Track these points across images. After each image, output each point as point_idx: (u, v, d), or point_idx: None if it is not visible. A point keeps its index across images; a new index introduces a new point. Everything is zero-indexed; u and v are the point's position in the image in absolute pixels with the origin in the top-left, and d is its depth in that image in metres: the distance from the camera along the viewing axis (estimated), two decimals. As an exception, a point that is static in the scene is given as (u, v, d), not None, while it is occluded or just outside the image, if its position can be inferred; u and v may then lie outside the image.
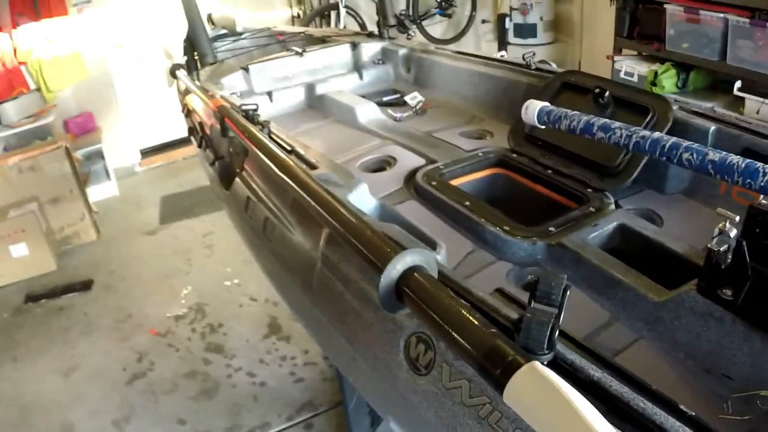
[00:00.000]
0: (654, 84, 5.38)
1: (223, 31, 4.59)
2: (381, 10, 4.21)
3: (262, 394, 3.75)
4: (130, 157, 7.38)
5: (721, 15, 4.70)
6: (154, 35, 6.86)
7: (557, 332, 1.09)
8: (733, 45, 4.70)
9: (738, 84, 4.79)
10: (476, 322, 1.11)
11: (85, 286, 5.19)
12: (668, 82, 5.32)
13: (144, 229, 6.04)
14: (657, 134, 1.79)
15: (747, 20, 4.53)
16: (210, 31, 4.49)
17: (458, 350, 1.11)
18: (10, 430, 3.79)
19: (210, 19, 4.74)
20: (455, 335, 1.12)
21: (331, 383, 3.65)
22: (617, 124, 1.89)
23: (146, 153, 7.57)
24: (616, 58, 5.93)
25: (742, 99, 4.78)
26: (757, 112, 4.63)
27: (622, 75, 5.74)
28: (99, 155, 6.80)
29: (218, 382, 3.90)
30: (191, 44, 3.66)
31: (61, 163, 5.71)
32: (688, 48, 5.12)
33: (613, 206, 2.22)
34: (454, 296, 1.22)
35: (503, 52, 3.64)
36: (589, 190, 2.32)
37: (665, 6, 5.21)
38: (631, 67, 5.68)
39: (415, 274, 1.28)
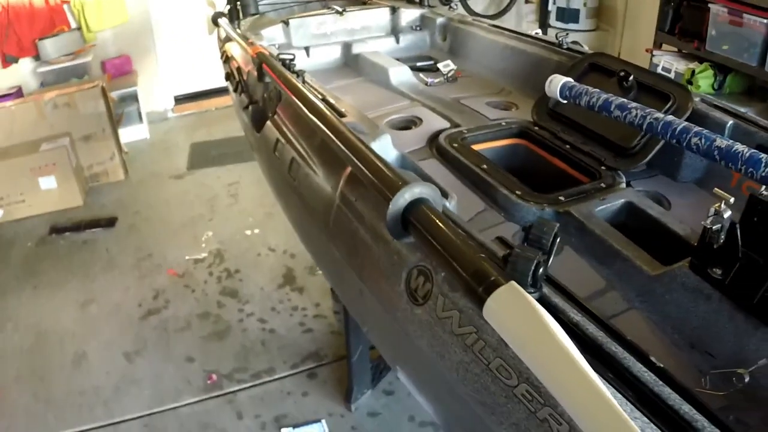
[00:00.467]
0: (690, 83, 5.33)
1: (267, -16, 4.67)
2: (423, -22, 4.27)
3: (271, 341, 3.84)
4: (163, 103, 7.46)
5: (765, 21, 4.66)
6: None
7: (543, 272, 1.17)
8: (774, 52, 4.66)
9: (774, 92, 4.75)
10: (467, 250, 1.20)
11: (109, 223, 5.30)
12: (704, 82, 5.29)
13: (171, 174, 6.15)
14: (670, 117, 1.86)
15: (791, 28, 4.49)
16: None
17: (450, 271, 1.21)
18: (24, 356, 3.91)
19: (255, -30, 4.83)
20: (449, 258, 1.22)
21: (338, 337, 3.72)
22: (633, 104, 1.96)
23: (180, 100, 7.63)
24: (655, 52, 5.90)
25: (777, 107, 4.73)
26: (792, 122, 4.62)
27: (659, 70, 5.70)
28: (133, 98, 6.86)
29: (229, 325, 4.00)
30: (234, -6, 3.74)
31: (96, 102, 5.80)
32: (728, 50, 5.08)
33: (624, 185, 2.28)
34: (454, 228, 1.32)
35: (538, 30, 3.68)
36: (604, 168, 2.38)
37: (709, 5, 5.16)
38: (669, 63, 5.66)
39: (421, 206, 1.39)
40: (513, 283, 1.08)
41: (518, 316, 1.03)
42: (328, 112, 2.02)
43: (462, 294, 1.23)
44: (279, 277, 4.41)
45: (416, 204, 1.40)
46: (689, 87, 5.16)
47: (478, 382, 1.30)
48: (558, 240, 1.20)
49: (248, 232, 4.99)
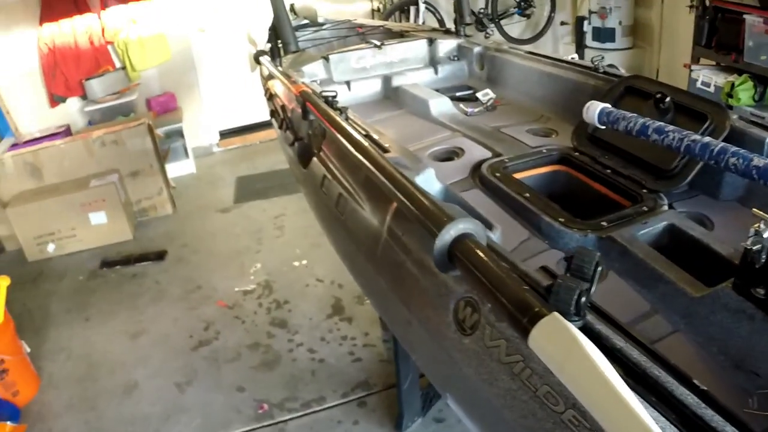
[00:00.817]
0: (730, 95, 5.30)
1: (305, 21, 4.77)
2: (458, 9, 4.31)
3: (320, 370, 3.89)
4: (208, 138, 7.65)
5: (802, 30, 4.64)
6: (236, 21, 7.11)
7: (586, 300, 1.21)
8: (813, 61, 4.64)
9: (816, 102, 4.71)
10: (511, 282, 1.26)
11: (159, 256, 5.44)
12: (744, 94, 5.25)
13: (218, 207, 6.28)
14: (707, 139, 1.88)
15: (828, 36, 4.47)
16: (293, 20, 4.69)
17: (495, 303, 1.27)
18: (76, 384, 4.02)
19: (292, 9, 4.94)
20: (494, 291, 1.28)
21: (387, 365, 3.75)
22: (671, 127, 2.00)
23: (224, 134, 7.82)
24: (693, 67, 5.88)
25: (819, 118, 4.70)
26: (835, 132, 4.56)
27: (698, 85, 5.70)
28: (179, 134, 7.06)
29: (279, 355, 4.06)
30: (275, 33, 3.82)
31: (143, 138, 5.98)
32: (767, 61, 5.05)
33: (666, 207, 2.30)
34: (497, 261, 1.38)
35: (574, 55, 3.71)
36: (645, 190, 2.40)
37: (744, 16, 5.15)
38: (708, 77, 5.62)
39: (466, 240, 1.45)
40: (555, 313, 1.13)
41: (561, 345, 1.07)
42: (371, 149, 2.08)
43: (507, 324, 1.29)
44: (327, 307, 4.48)
45: (461, 239, 1.46)
46: (729, 101, 5.20)
47: (526, 408, 1.34)
48: (600, 268, 1.24)
49: (296, 263, 5.06)
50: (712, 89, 5.57)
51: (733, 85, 5.30)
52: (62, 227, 5.61)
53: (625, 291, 1.97)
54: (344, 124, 2.37)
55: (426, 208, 1.59)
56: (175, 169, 6.97)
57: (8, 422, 3.53)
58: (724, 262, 1.92)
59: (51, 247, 5.62)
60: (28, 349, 4.04)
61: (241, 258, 5.27)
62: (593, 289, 1.24)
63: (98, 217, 5.66)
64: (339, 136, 2.29)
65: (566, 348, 1.06)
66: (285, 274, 4.96)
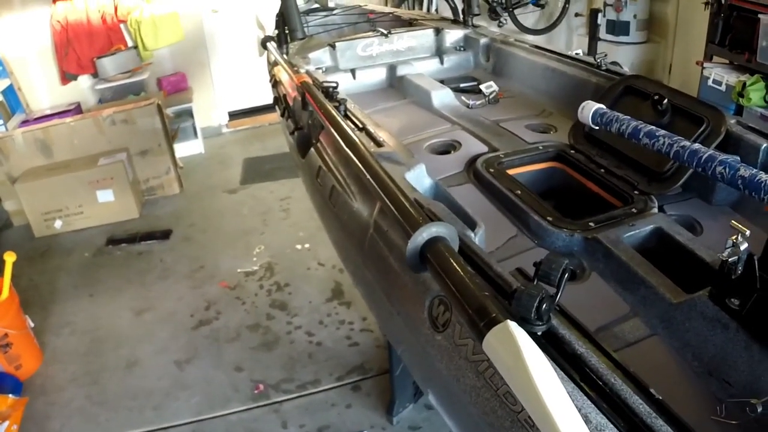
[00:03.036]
0: (741, 95, 5.29)
1: (316, 6, 4.78)
2: (466, -1, 4.34)
3: (317, 353, 3.94)
4: (218, 118, 7.70)
5: (817, 30, 4.61)
6: (248, 3, 7.12)
7: (548, 307, 1.24)
8: (827, 64, 4.61)
9: (826, 105, 4.68)
10: (474, 287, 1.30)
11: (165, 235, 5.50)
12: (756, 95, 5.22)
13: (225, 187, 6.34)
14: (696, 145, 1.90)
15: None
16: (304, 5, 4.71)
17: (458, 306, 1.31)
18: (80, 359, 4.10)
19: (304, -7, 4.96)
20: (457, 294, 1.32)
21: (383, 351, 3.78)
22: (662, 132, 2.01)
23: (234, 115, 7.87)
24: (705, 64, 5.85)
25: (830, 121, 4.65)
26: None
27: (710, 83, 5.67)
28: (188, 114, 7.11)
29: (278, 337, 4.12)
30: (283, 19, 3.84)
31: (153, 118, 6.02)
32: (781, 62, 5.02)
33: (656, 210, 2.32)
34: (464, 266, 1.41)
35: (579, 50, 3.71)
36: (636, 192, 2.42)
37: (759, 16, 5.11)
38: (720, 76, 5.60)
39: (437, 244, 1.49)
40: (509, 321, 1.16)
41: (510, 351, 1.11)
42: (362, 145, 2.11)
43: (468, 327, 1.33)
44: (327, 291, 4.52)
45: (433, 242, 1.49)
46: (740, 100, 5.17)
47: (488, 405, 1.38)
48: (566, 276, 1.27)
49: (299, 247, 5.11)
50: (723, 88, 5.54)
51: (744, 85, 5.27)
52: (70, 204, 5.67)
53: (607, 292, 2.00)
54: (339, 117, 2.40)
55: (404, 209, 1.63)
56: (184, 149, 7.02)
57: (10, 395, 3.59)
58: (707, 268, 1.93)
59: (58, 224, 5.68)
60: (32, 324, 4.10)
61: (245, 239, 5.32)
62: (559, 296, 1.27)
63: (106, 195, 5.72)
64: (332, 129, 2.32)
65: (513, 355, 1.09)
66: (288, 256, 5.00)
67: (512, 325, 1.15)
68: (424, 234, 1.50)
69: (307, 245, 5.11)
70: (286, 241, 5.21)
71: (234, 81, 7.64)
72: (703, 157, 1.85)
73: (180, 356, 4.04)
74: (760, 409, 1.45)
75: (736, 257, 1.57)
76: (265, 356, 3.97)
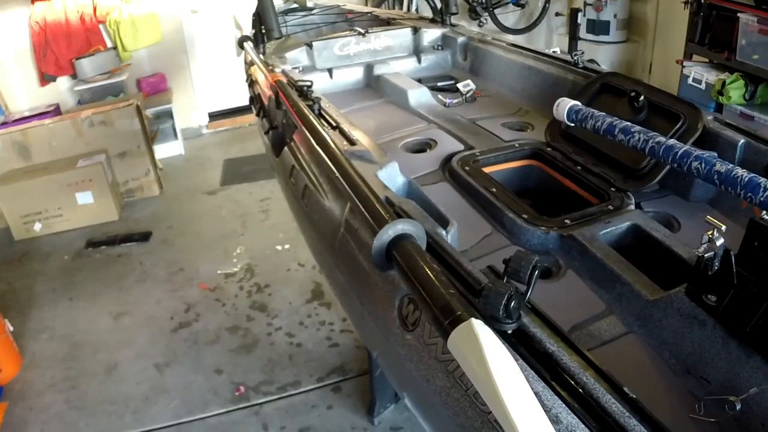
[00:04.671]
0: (721, 93, 5.30)
1: (294, 6, 4.75)
2: (444, -2, 4.32)
3: (298, 354, 3.91)
4: (197, 119, 7.63)
5: (796, 29, 4.63)
6: (228, 3, 7.04)
7: (517, 305, 1.22)
8: (805, 61, 4.62)
9: (805, 102, 4.70)
10: (439, 285, 1.27)
11: (144, 237, 5.43)
12: (735, 93, 5.25)
13: (205, 189, 6.28)
14: (671, 141, 1.89)
15: (822, 36, 4.45)
16: (282, 4, 4.68)
17: (424, 305, 1.28)
18: (58, 364, 4.03)
19: (283, -8, 4.93)
20: (423, 293, 1.30)
21: (363, 351, 3.76)
22: (637, 128, 2.00)
23: (214, 116, 7.78)
24: (685, 63, 5.87)
25: (808, 117, 4.68)
26: (823, 132, 4.56)
27: (690, 81, 5.69)
28: (168, 115, 7.03)
29: (258, 339, 4.08)
30: (259, 19, 3.81)
31: (132, 119, 5.95)
32: (759, 60, 5.04)
33: (632, 207, 2.31)
34: (430, 263, 1.40)
35: (556, 48, 3.71)
36: (613, 189, 2.42)
37: (739, 15, 5.13)
38: (700, 74, 5.61)
39: (403, 242, 1.47)
40: (472, 320, 1.14)
41: (473, 350, 1.09)
42: (332, 144, 2.09)
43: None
44: (307, 292, 4.49)
45: (398, 240, 1.48)
46: (720, 98, 5.19)
47: (458, 406, 1.36)
48: (537, 273, 1.25)
49: (279, 248, 5.08)
50: (703, 86, 5.56)
51: (724, 83, 5.29)
52: (49, 207, 5.59)
53: (583, 290, 1.99)
54: (312, 116, 2.38)
55: (372, 207, 1.61)
56: (164, 151, 6.95)
57: (-11, 399, 3.55)
58: (684, 265, 1.93)
59: (38, 227, 5.61)
60: (11, 328, 4.04)
61: (225, 241, 5.27)
62: (529, 293, 1.25)
63: (85, 197, 5.65)
64: (304, 128, 2.30)
65: (476, 354, 1.07)
66: (268, 257, 4.97)
67: (476, 323, 1.13)
68: (390, 231, 1.48)
69: (287, 246, 5.07)
70: (266, 243, 5.17)
71: (214, 82, 7.57)
72: (679, 153, 1.84)
73: (159, 360, 3.99)
74: (739, 407, 1.44)
75: (713, 253, 1.57)
76: (245, 358, 3.93)
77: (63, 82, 6.74)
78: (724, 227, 1.55)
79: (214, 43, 7.38)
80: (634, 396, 1.32)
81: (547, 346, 1.29)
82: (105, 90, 6.70)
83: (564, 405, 1.17)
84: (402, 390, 2.00)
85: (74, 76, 6.67)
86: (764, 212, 1.56)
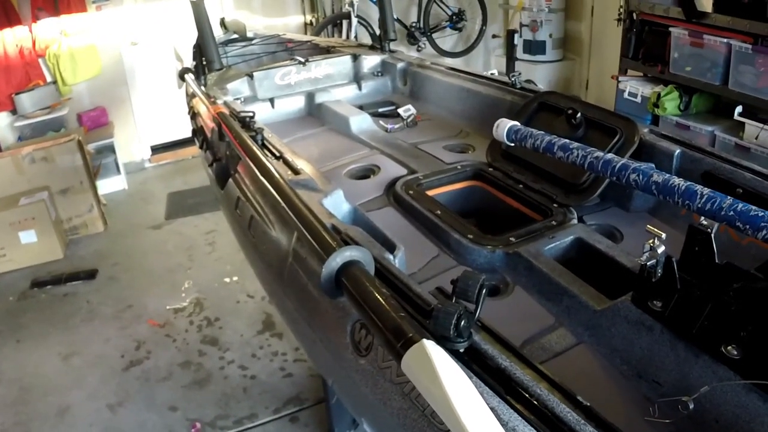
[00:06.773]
0: (656, 105, 5.46)
1: (235, 36, 4.76)
2: (382, 25, 4.36)
3: (252, 387, 3.88)
4: (140, 153, 7.54)
5: (725, 40, 4.79)
6: (168, 35, 7.01)
7: (467, 323, 1.24)
8: (735, 70, 4.79)
9: (739, 109, 4.87)
10: (389, 308, 1.29)
11: (90, 275, 5.33)
12: (671, 104, 5.40)
13: (150, 224, 6.20)
14: (609, 156, 1.94)
15: (750, 46, 4.62)
16: (222, 35, 4.68)
17: (376, 329, 1.30)
18: (8, 409, 3.92)
19: (223, 23, 4.93)
20: (374, 317, 1.32)
21: (318, 379, 3.72)
22: (575, 144, 2.05)
23: (156, 149, 7.70)
24: (621, 78, 6.02)
25: (743, 124, 4.84)
26: (756, 138, 4.72)
27: (626, 95, 5.85)
28: (110, 149, 6.94)
29: (211, 373, 4.03)
30: (200, 50, 3.80)
31: (73, 155, 5.86)
32: (692, 71, 5.20)
33: (575, 221, 2.36)
34: (379, 288, 1.42)
35: (494, 71, 3.78)
36: (555, 205, 2.46)
37: (670, 29, 5.30)
38: (635, 88, 5.78)
39: (352, 268, 1.49)
40: (424, 341, 1.16)
41: (427, 370, 1.11)
42: (276, 174, 2.10)
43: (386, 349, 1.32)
44: (258, 323, 4.46)
45: (347, 266, 1.49)
46: (656, 110, 5.33)
47: (417, 427, 1.37)
48: (485, 291, 1.27)
49: (227, 280, 5.04)
50: (639, 99, 5.72)
51: (659, 96, 5.46)
52: (-9, 247, 5.47)
53: (531, 305, 2.02)
54: (255, 147, 2.38)
55: (319, 235, 1.63)
56: (107, 186, 6.85)
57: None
58: (629, 273, 1.97)
59: (-20, 268, 5.47)
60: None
61: (172, 275, 5.21)
62: (479, 312, 1.27)
63: (28, 236, 5.53)
64: (248, 159, 2.30)
65: (430, 374, 1.09)
66: (216, 290, 4.93)
67: (428, 344, 1.15)
68: (338, 259, 1.49)
69: (235, 278, 5.04)
70: (214, 276, 5.13)
71: (155, 114, 7.50)
72: (617, 166, 1.88)
73: (111, 400, 3.91)
74: (692, 406, 1.48)
75: (655, 260, 1.62)
76: (198, 394, 3.88)
77: (2, 118, 6.58)
78: (664, 235, 1.60)
79: (154, 76, 7.32)
80: (589, 404, 1.35)
81: (499, 361, 1.31)
82: (45, 125, 6.57)
83: (520, 418, 1.19)
84: (360, 415, 2.00)
85: (14, 111, 6.53)
86: (702, 218, 1.61)
